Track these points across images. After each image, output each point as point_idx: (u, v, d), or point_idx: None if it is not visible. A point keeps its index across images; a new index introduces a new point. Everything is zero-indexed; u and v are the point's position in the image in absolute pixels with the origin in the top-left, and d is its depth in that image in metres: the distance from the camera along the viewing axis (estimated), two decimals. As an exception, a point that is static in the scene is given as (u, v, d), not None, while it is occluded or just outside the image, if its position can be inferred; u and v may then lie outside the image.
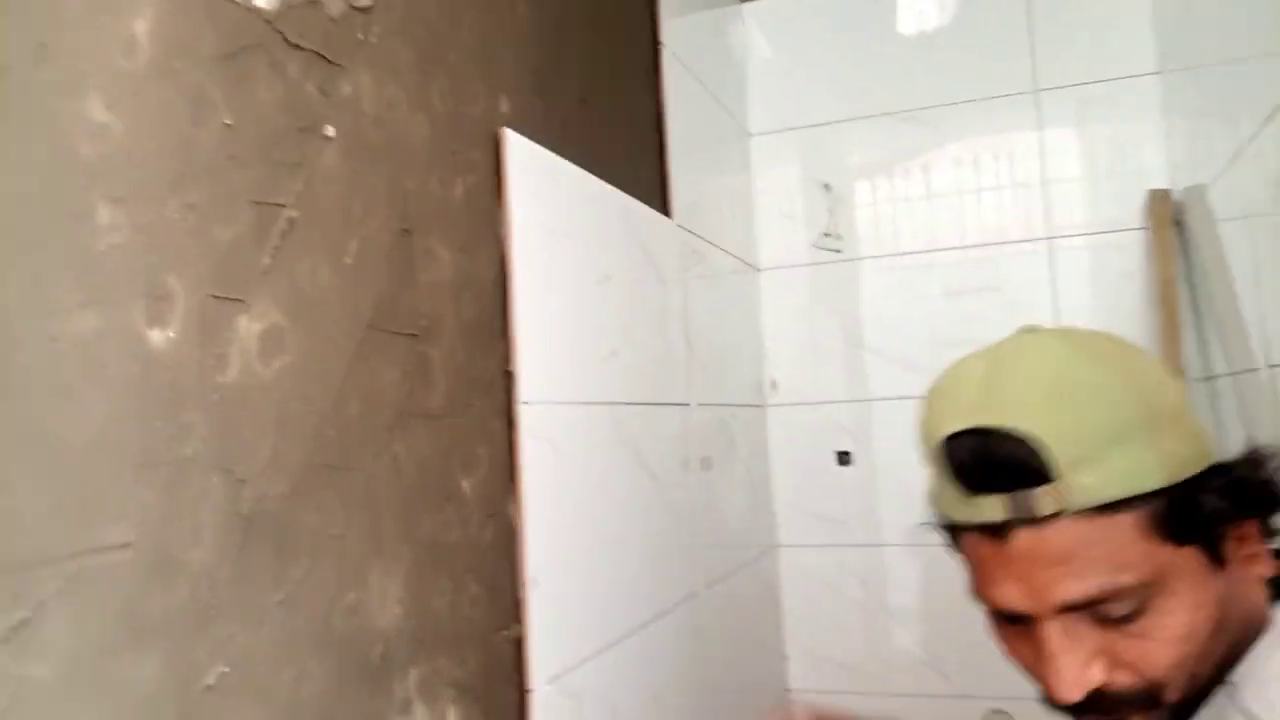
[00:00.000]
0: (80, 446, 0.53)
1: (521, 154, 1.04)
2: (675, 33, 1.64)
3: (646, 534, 1.30)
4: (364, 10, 0.82)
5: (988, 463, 0.67)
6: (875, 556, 1.98)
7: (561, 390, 1.08)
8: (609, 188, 1.28)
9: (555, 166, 1.13)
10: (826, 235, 2.02)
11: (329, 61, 0.77)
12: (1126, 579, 0.65)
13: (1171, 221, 1.77)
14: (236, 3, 0.68)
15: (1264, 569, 0.72)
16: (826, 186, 2.04)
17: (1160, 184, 1.82)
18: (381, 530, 0.78)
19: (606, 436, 1.20)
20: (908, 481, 1.91)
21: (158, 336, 0.59)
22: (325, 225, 0.75)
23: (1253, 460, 0.70)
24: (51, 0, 0.54)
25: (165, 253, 0.59)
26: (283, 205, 0.70)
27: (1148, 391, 0.69)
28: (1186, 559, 0.67)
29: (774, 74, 2.11)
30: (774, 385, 2.03)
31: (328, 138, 0.76)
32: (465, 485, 0.90)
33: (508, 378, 0.99)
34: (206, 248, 0.63)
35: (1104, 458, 0.65)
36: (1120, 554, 0.65)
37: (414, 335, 0.85)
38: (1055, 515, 0.65)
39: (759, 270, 2.06)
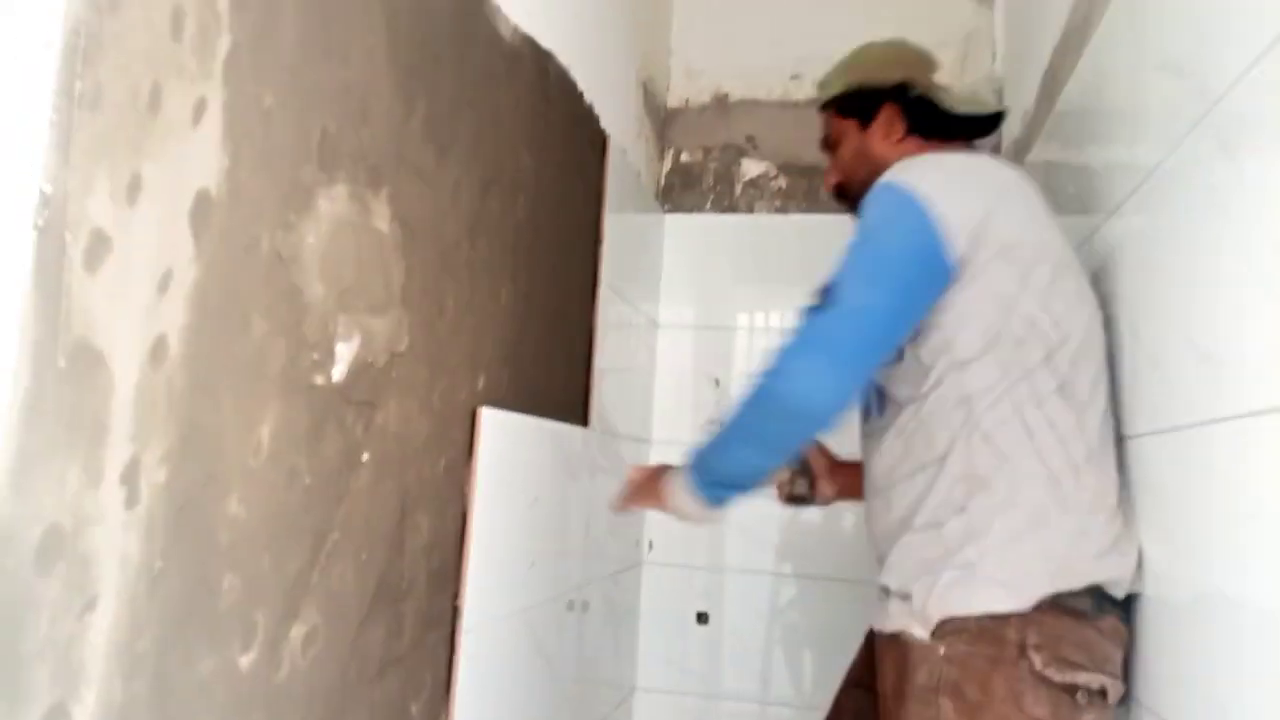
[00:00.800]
0: (199, 757, 0.76)
1: (492, 421, 1.31)
2: (610, 265, 1.94)
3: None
4: (400, 354, 1.07)
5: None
6: (716, 706, 2.28)
7: (496, 610, 1.34)
8: (545, 423, 1.55)
9: (515, 422, 1.40)
10: (711, 422, 2.34)
11: (372, 405, 1.02)
12: (833, 132, 1.49)
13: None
14: (320, 386, 0.92)
15: (895, 135, 1.43)
16: (716, 381, 2.37)
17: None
18: (356, 760, 1.02)
19: (521, 640, 1.45)
20: (751, 646, 2.25)
21: (245, 660, 0.82)
22: (354, 538, 0.99)
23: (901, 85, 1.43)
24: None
25: (256, 593, 0.83)
26: (328, 532, 0.95)
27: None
28: (851, 125, 1.46)
29: (683, 276, 2.45)
30: (650, 545, 2.33)
31: (363, 463, 1.01)
32: (414, 709, 1.15)
33: (455, 611, 1.24)
34: (280, 578, 0.87)
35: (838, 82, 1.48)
36: (831, 123, 1.49)
37: (399, 600, 1.09)
38: (824, 104, 1.51)
39: (650, 443, 2.36)
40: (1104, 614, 1.12)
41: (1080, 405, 1.16)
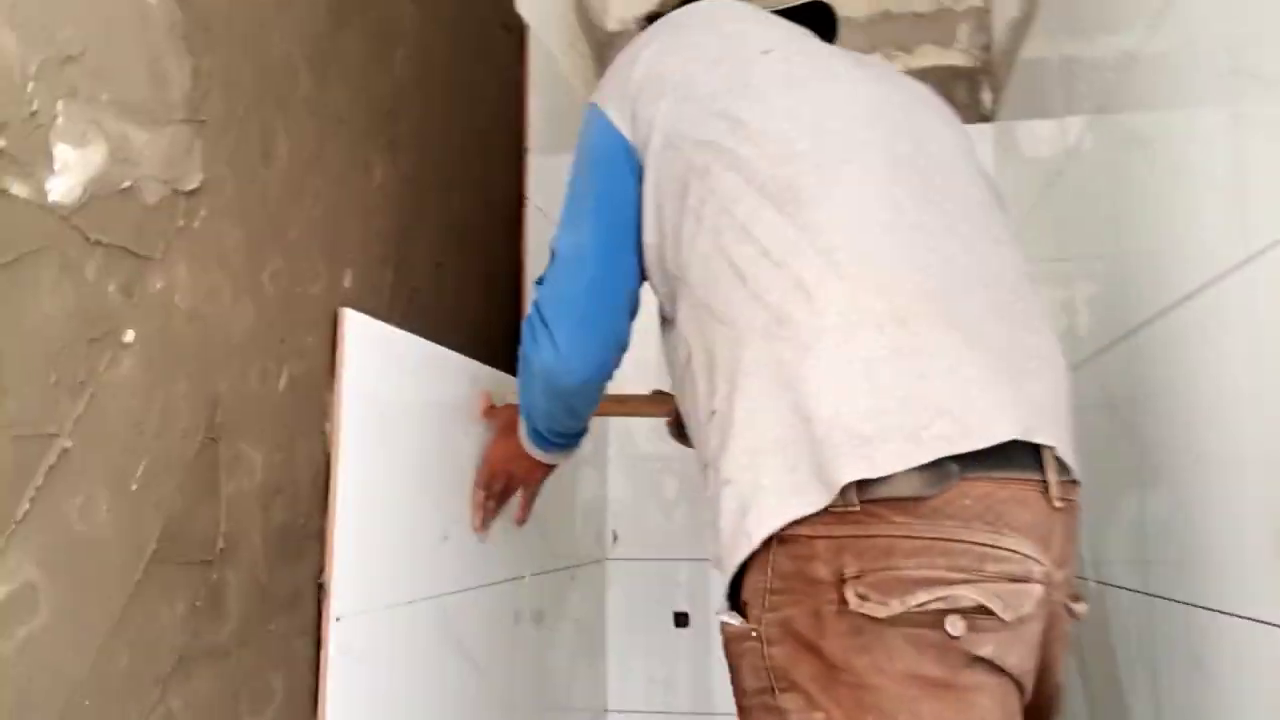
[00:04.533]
0: None
1: (362, 334, 0.96)
2: (539, 184, 1.61)
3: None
4: (189, 194, 0.73)
5: None
6: (705, 724, 1.92)
7: (383, 595, 0.98)
8: (457, 358, 1.20)
9: (400, 343, 1.05)
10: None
11: (137, 255, 0.67)
12: None
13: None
14: (21, 198, 0.58)
15: None
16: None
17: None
18: (139, 806, 0.66)
19: (432, 637, 1.09)
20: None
21: None
22: (108, 449, 0.64)
23: None
24: None
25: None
26: (55, 435, 0.60)
27: None
28: None
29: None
30: (615, 537, 1.97)
31: (125, 344, 0.66)
32: (254, 726, 0.79)
33: (319, 590, 0.88)
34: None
35: None
36: None
37: (208, 562, 0.74)
38: None
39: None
40: (951, 481, 0.73)
41: (800, 202, 0.82)
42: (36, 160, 0.59)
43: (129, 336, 0.66)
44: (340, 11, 0.97)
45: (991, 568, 0.71)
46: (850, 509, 0.72)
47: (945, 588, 0.70)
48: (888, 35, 2.13)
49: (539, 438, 1.14)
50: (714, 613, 0.85)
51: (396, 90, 1.10)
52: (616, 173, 0.96)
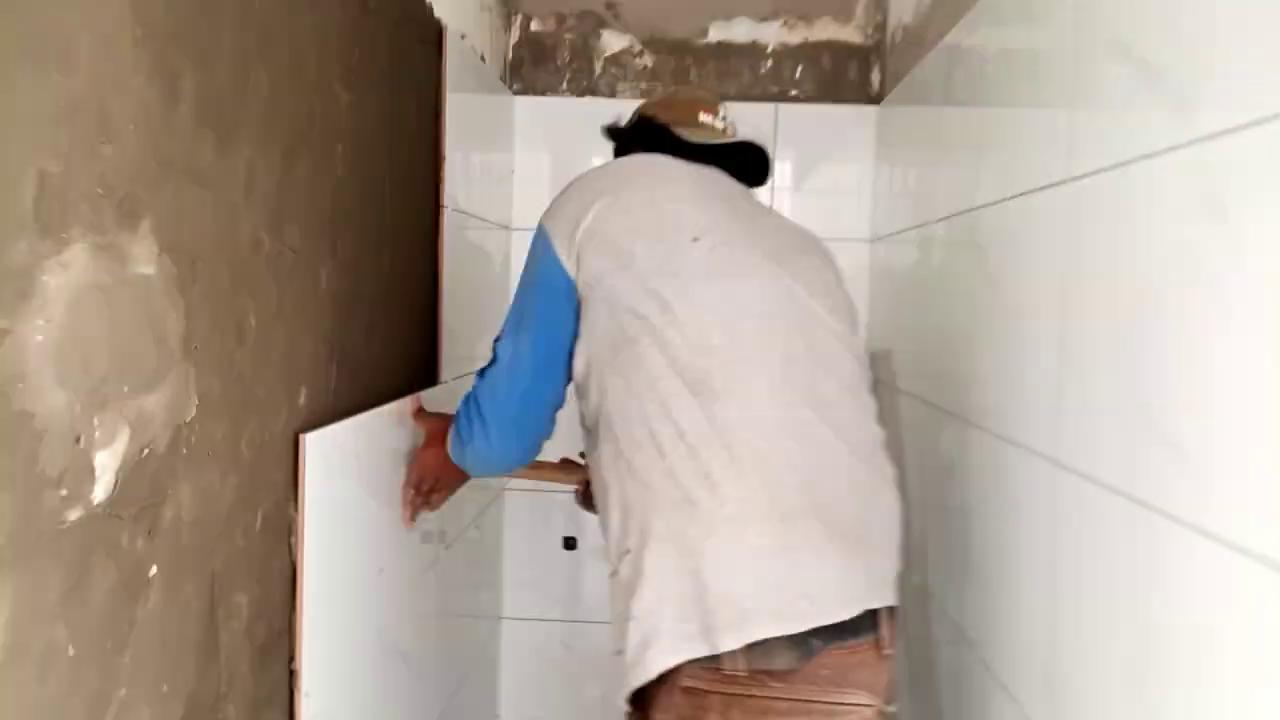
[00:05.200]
0: None
1: (316, 448, 1.09)
2: (454, 175, 1.68)
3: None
4: (188, 423, 0.84)
5: None
6: (584, 630, 2.24)
7: (337, 650, 1.17)
8: (389, 408, 1.34)
9: (345, 434, 1.18)
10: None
11: (155, 505, 0.80)
12: None
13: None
14: (76, 520, 0.70)
15: None
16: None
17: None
18: None
19: (375, 654, 1.30)
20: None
21: None
22: (149, 675, 0.79)
23: None
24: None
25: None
26: (113, 691, 0.75)
27: None
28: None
29: (537, 168, 2.21)
30: (511, 471, 2.19)
31: (150, 579, 0.80)
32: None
33: (291, 676, 1.07)
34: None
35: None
36: None
37: (217, 705, 0.91)
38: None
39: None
40: (813, 656, 0.97)
41: (713, 396, 1.02)
42: (83, 482, 0.70)
43: (153, 572, 0.80)
44: (290, 148, 1.04)
45: (839, 718, 0.98)
46: (739, 674, 0.96)
47: None
48: (789, 3, 2.18)
49: (465, 470, 1.33)
50: (623, 712, 1.09)
51: (337, 187, 1.17)
52: (557, 304, 1.15)
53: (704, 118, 1.32)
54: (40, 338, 0.65)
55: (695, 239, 1.08)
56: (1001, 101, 1.28)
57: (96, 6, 0.70)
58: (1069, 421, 0.97)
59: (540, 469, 1.54)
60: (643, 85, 2.27)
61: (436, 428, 1.38)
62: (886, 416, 1.74)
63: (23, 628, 0.64)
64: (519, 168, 2.25)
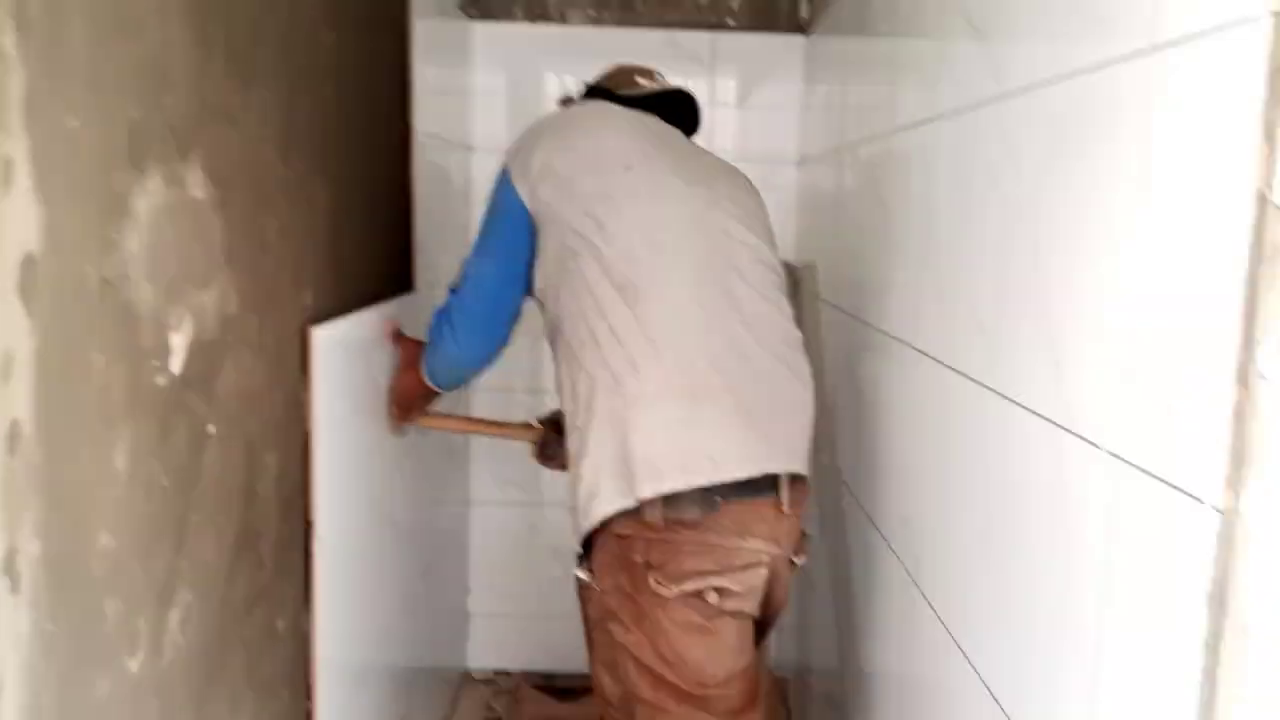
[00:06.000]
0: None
1: (323, 343, 1.32)
2: (422, 104, 1.87)
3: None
4: (230, 316, 1.06)
5: None
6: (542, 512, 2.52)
7: (344, 513, 1.42)
8: (374, 312, 1.56)
9: (345, 328, 1.41)
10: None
11: (211, 378, 1.02)
12: None
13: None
14: (162, 385, 0.92)
15: None
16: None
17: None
18: (236, 685, 1.12)
19: (373, 526, 1.55)
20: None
21: (133, 664, 0.89)
22: (211, 508, 1.03)
23: None
24: None
25: (134, 603, 0.88)
26: (189, 514, 0.98)
27: None
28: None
29: (496, 90, 2.39)
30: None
31: (209, 435, 1.03)
32: (280, 625, 1.25)
33: (308, 526, 1.31)
34: (151, 580, 0.92)
35: None
36: None
37: (256, 541, 1.15)
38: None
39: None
40: (717, 508, 1.22)
41: (637, 297, 1.26)
42: (167, 355, 0.93)
43: (211, 429, 1.03)
44: (292, 91, 1.23)
45: (737, 561, 1.25)
46: (657, 523, 1.22)
47: (706, 578, 1.23)
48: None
49: (434, 379, 1.55)
50: (572, 571, 1.36)
51: (326, 119, 1.37)
52: (517, 230, 1.38)
53: (640, 80, 1.55)
54: (134, 246, 0.86)
55: (628, 168, 1.31)
56: (910, 32, 1.48)
57: (160, -15, 0.90)
58: (944, 323, 1.23)
59: (503, 426, 1.79)
60: (590, 12, 2.44)
61: (409, 354, 1.59)
62: (815, 323, 2.02)
63: (138, 460, 0.87)
64: (478, 90, 2.42)
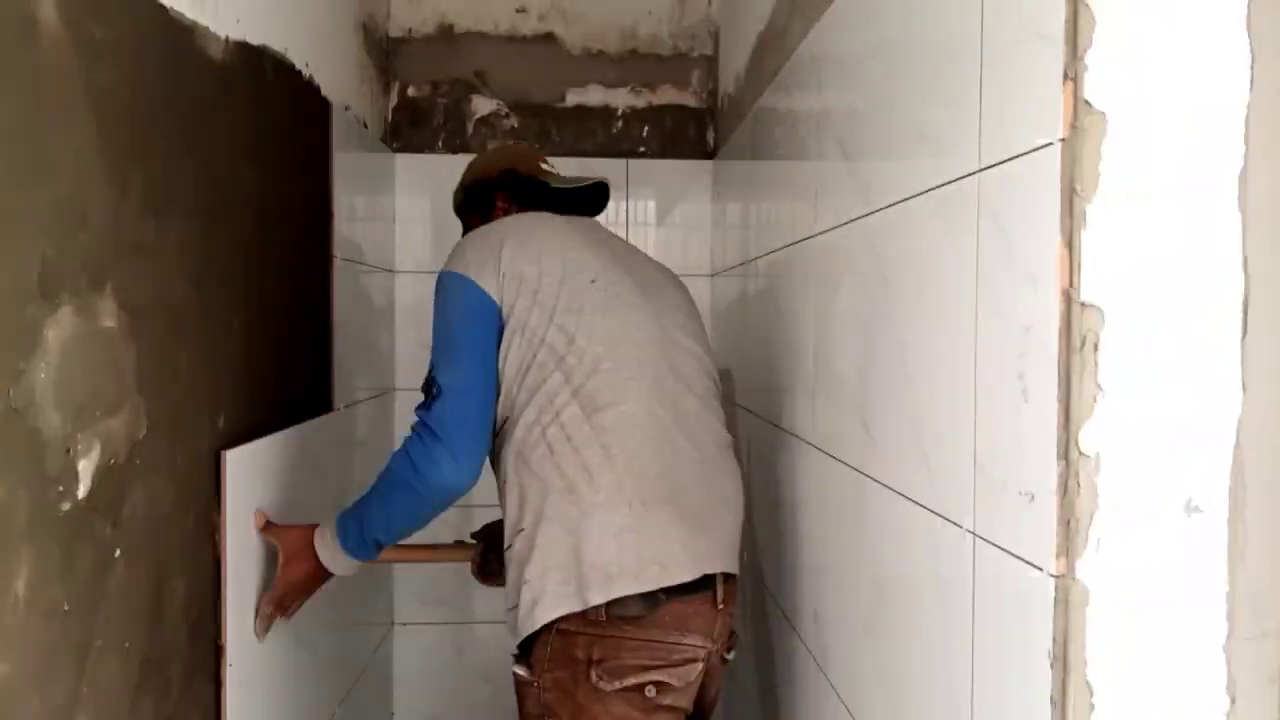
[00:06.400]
0: None
1: (235, 464, 1.33)
2: (343, 228, 1.94)
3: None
4: (140, 440, 1.09)
5: None
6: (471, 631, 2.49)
7: (264, 644, 1.41)
8: (288, 434, 1.58)
9: (256, 453, 1.42)
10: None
11: (118, 501, 1.04)
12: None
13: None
14: (67, 511, 0.94)
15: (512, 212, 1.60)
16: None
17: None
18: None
19: (288, 643, 1.53)
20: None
21: (29, 792, 0.87)
22: (116, 633, 1.03)
23: None
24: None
25: (34, 733, 0.87)
26: (92, 641, 0.98)
27: None
28: (476, 220, 1.63)
29: (417, 218, 2.49)
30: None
31: (116, 559, 1.03)
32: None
33: (218, 650, 1.30)
34: (50, 708, 0.91)
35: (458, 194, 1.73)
36: (466, 226, 1.68)
37: (164, 666, 1.14)
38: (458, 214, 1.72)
39: (394, 392, 2.42)
40: (659, 607, 1.25)
41: (596, 408, 1.30)
42: (72, 482, 0.95)
43: (117, 554, 1.04)
44: (209, 222, 1.29)
45: (676, 656, 1.28)
46: (600, 620, 1.25)
47: (647, 673, 1.26)
48: (635, 73, 2.52)
49: (361, 548, 1.42)
50: (511, 668, 1.36)
51: (245, 246, 1.42)
52: (488, 329, 1.37)
53: (544, 166, 1.65)
54: (43, 374, 0.89)
55: (593, 281, 1.37)
56: (794, 155, 1.60)
57: (75, 130, 0.95)
58: (833, 421, 1.30)
59: (436, 550, 1.79)
60: (509, 142, 2.57)
61: (294, 545, 1.43)
62: (731, 425, 2.08)
63: (36, 587, 0.88)
64: (400, 219, 2.51)
